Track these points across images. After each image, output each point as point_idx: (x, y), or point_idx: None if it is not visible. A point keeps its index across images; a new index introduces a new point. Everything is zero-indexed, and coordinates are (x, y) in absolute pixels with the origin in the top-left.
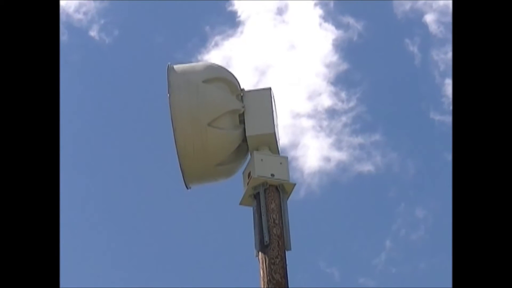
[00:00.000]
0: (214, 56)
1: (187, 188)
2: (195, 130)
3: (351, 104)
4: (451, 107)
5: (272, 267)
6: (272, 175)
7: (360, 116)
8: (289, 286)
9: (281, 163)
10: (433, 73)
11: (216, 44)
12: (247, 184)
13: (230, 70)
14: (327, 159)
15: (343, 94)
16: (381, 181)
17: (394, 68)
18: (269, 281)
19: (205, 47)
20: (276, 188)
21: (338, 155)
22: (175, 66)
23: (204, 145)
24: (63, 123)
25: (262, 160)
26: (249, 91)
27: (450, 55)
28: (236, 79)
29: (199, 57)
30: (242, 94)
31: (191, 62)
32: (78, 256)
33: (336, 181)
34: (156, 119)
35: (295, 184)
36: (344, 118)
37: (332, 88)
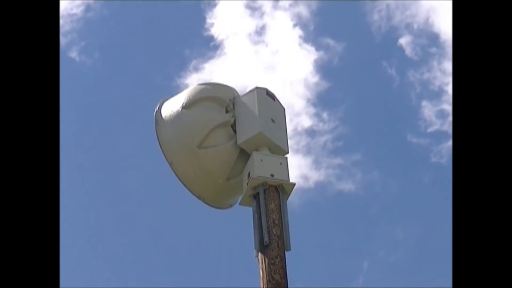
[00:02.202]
0: (194, 79)
1: (225, 208)
2: (188, 157)
3: (330, 125)
4: (428, 130)
5: (271, 267)
6: (272, 175)
7: (339, 137)
8: (289, 286)
9: (280, 164)
10: (410, 95)
11: (196, 67)
12: (247, 184)
13: None
14: (305, 178)
15: (323, 115)
16: (360, 201)
17: (373, 90)
18: (268, 281)
19: (185, 70)
20: (276, 188)
21: (317, 175)
22: (165, 102)
23: (202, 168)
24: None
25: (261, 160)
26: (240, 97)
27: (426, 76)
28: (226, 90)
29: (178, 81)
30: (233, 103)
31: (171, 85)
32: (78, 256)
33: (314, 200)
34: (136, 138)
35: (294, 184)
36: (323, 139)
37: (312, 109)
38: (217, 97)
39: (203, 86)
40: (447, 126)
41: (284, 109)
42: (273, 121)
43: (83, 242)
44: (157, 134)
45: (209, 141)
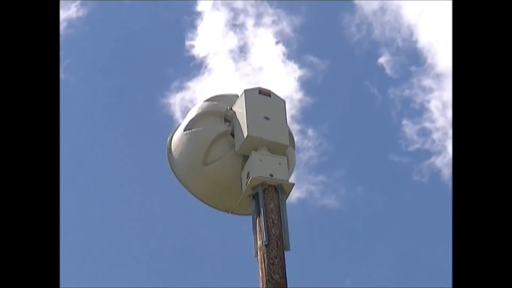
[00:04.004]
0: (178, 98)
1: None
2: (198, 176)
3: (314, 142)
4: (408, 149)
5: (271, 267)
6: (271, 175)
7: (322, 155)
8: (288, 286)
9: (280, 163)
10: (391, 113)
11: (179, 86)
12: (246, 184)
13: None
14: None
15: (306, 132)
16: (343, 218)
17: (355, 108)
18: (268, 281)
19: (168, 89)
20: (275, 188)
21: (298, 192)
22: (176, 130)
23: (214, 182)
24: None
25: (260, 160)
26: (235, 105)
27: (406, 93)
28: (225, 99)
29: (162, 100)
30: (232, 111)
31: (155, 104)
32: (78, 256)
33: (297, 216)
34: (121, 154)
35: (293, 184)
36: (306, 156)
37: (295, 126)
38: (213, 110)
39: (200, 104)
40: (429, 144)
41: (284, 102)
42: (267, 118)
43: (84, 243)
44: (170, 163)
45: (212, 155)
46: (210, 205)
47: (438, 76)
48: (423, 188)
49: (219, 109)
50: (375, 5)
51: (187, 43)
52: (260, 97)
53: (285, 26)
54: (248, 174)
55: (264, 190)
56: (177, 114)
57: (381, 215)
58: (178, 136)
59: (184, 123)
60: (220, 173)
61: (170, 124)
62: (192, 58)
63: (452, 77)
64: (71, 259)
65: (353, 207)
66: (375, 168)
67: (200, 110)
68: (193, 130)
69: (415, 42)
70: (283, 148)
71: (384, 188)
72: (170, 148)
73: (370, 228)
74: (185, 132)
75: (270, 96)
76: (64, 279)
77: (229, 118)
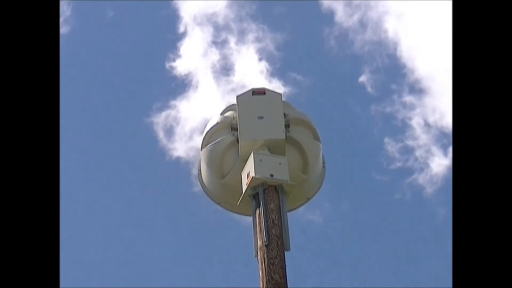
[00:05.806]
0: (163, 116)
1: (298, 206)
2: (223, 191)
3: None
4: (390, 167)
5: (271, 267)
6: (271, 175)
7: None
8: (288, 286)
9: (280, 164)
10: (373, 131)
11: (164, 105)
12: (246, 184)
13: (180, 130)
14: None
15: None
16: (326, 234)
17: (338, 126)
18: (268, 281)
19: (152, 109)
20: (275, 188)
21: None
22: None
23: (236, 192)
24: None
25: (261, 160)
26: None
27: (388, 109)
28: (231, 108)
29: (146, 120)
30: (236, 119)
31: (142, 123)
32: (78, 254)
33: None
34: (112, 169)
35: (294, 184)
36: None
37: None
38: (221, 122)
39: (211, 118)
40: (411, 162)
41: (280, 95)
42: (261, 118)
43: (82, 243)
44: (200, 184)
45: (225, 167)
46: (244, 215)
47: (419, 93)
48: (406, 206)
49: (225, 120)
50: (356, 21)
51: (170, 61)
52: (254, 98)
53: (269, 43)
54: (248, 174)
55: (264, 190)
56: (161, 134)
57: (365, 232)
58: (200, 156)
59: (201, 141)
60: (235, 182)
61: (153, 144)
62: (175, 76)
63: (452, 79)
64: (71, 259)
65: (337, 223)
66: (358, 186)
67: (209, 125)
68: (206, 147)
69: (396, 58)
70: (281, 144)
71: (368, 206)
72: (200, 169)
73: (353, 244)
74: (201, 151)
75: (264, 94)
76: (64, 279)
77: (235, 126)
